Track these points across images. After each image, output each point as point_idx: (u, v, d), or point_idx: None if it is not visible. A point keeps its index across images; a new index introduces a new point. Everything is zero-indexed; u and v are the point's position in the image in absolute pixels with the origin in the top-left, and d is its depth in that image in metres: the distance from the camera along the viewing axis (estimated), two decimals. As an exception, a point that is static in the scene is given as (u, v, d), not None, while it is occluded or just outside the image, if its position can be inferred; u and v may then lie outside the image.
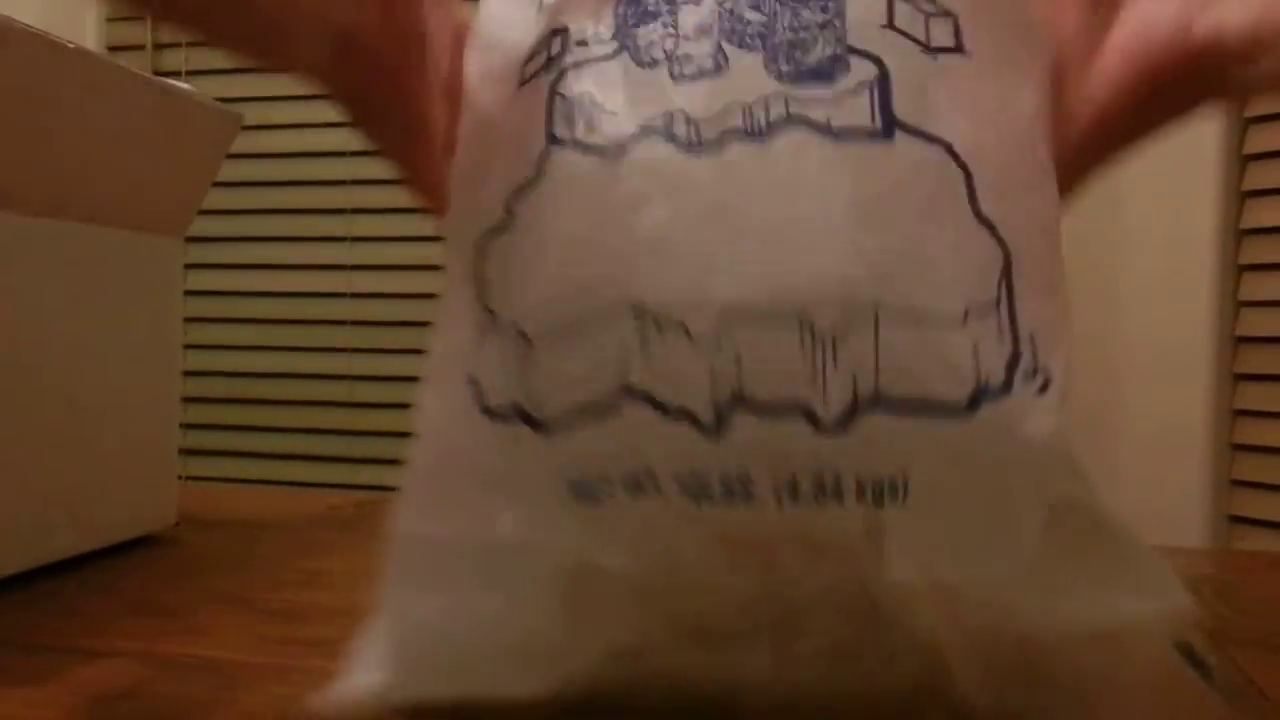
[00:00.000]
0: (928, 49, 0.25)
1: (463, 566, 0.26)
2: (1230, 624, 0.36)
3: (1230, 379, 1.04)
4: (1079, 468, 0.24)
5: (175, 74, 1.41)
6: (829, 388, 0.23)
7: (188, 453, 1.43)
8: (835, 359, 0.23)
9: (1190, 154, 1.03)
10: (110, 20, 1.47)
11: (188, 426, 1.42)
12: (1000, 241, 0.24)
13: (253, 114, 1.41)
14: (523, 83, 0.27)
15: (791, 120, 0.24)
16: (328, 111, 1.48)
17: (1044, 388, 0.23)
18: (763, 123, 0.24)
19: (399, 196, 1.49)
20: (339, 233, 1.40)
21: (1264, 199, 1.02)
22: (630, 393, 0.24)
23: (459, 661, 0.26)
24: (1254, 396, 1.02)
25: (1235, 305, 1.04)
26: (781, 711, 0.26)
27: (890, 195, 0.24)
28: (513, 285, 0.26)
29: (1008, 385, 0.23)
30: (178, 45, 1.45)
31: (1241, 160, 1.03)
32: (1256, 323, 1.02)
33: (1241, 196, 1.04)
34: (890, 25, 0.25)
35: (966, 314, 0.23)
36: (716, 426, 0.23)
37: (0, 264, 0.38)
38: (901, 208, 0.24)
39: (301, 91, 1.49)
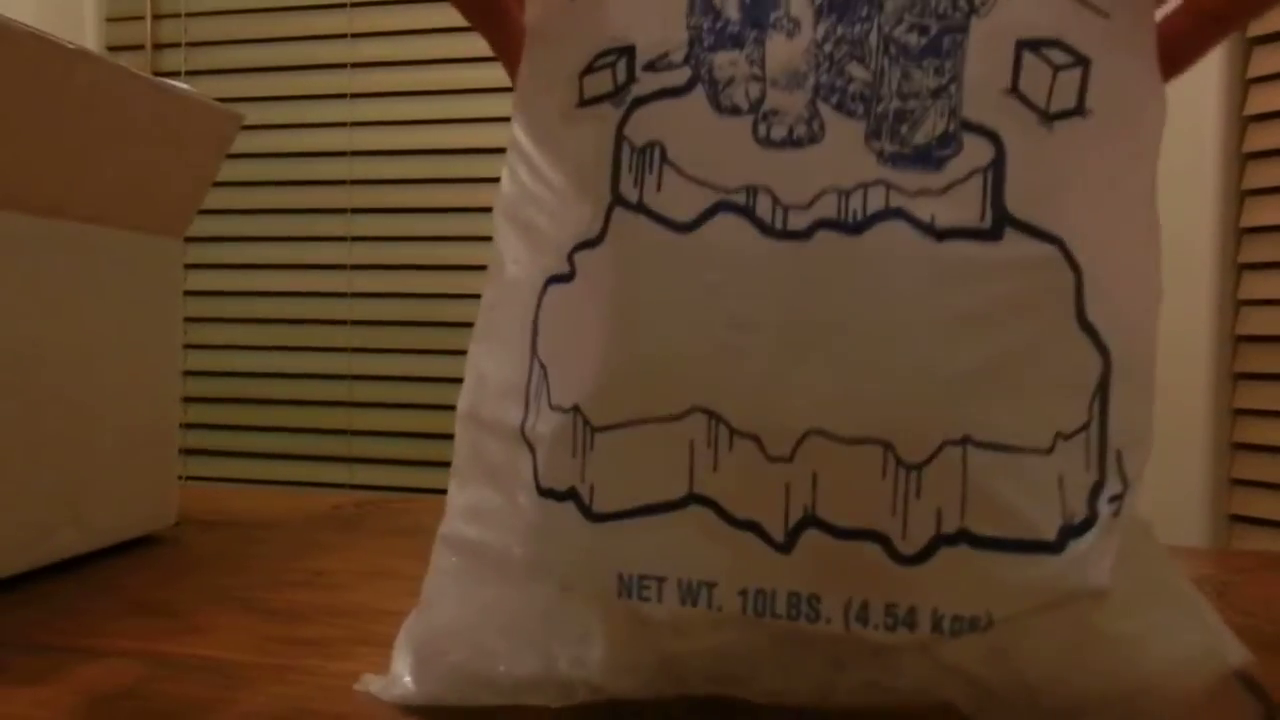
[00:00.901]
0: (1046, 117, 0.22)
1: (498, 604, 0.26)
2: (1230, 624, 0.36)
3: (1230, 378, 1.04)
4: (1153, 553, 0.23)
5: (175, 74, 1.41)
6: (910, 519, 0.22)
7: (188, 452, 1.43)
8: (919, 490, 0.22)
9: (1190, 152, 1.03)
10: (110, 20, 1.47)
11: (188, 426, 1.42)
12: (1101, 348, 0.22)
13: (253, 114, 1.42)
14: (583, 102, 0.25)
15: (891, 214, 0.22)
16: (328, 111, 1.48)
17: (1120, 505, 0.22)
18: (859, 214, 0.22)
19: (399, 196, 1.48)
20: (339, 233, 1.40)
21: (1264, 198, 1.02)
22: (696, 499, 0.23)
23: (489, 679, 0.25)
24: (1254, 395, 1.02)
25: (1235, 304, 1.04)
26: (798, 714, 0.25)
27: (991, 309, 0.22)
28: (572, 352, 0.24)
29: (1091, 519, 0.22)
30: (177, 45, 1.45)
31: (1241, 158, 1.03)
32: (1257, 321, 1.02)
33: (1241, 195, 1.04)
34: (1014, 89, 0.22)
35: (1055, 441, 0.22)
36: (786, 543, 0.22)
37: (0, 264, 0.38)
38: (1002, 324, 0.22)
39: (302, 91, 1.48)
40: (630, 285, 0.23)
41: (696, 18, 0.23)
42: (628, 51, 0.24)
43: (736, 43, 0.23)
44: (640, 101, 0.24)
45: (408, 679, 0.26)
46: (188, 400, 1.42)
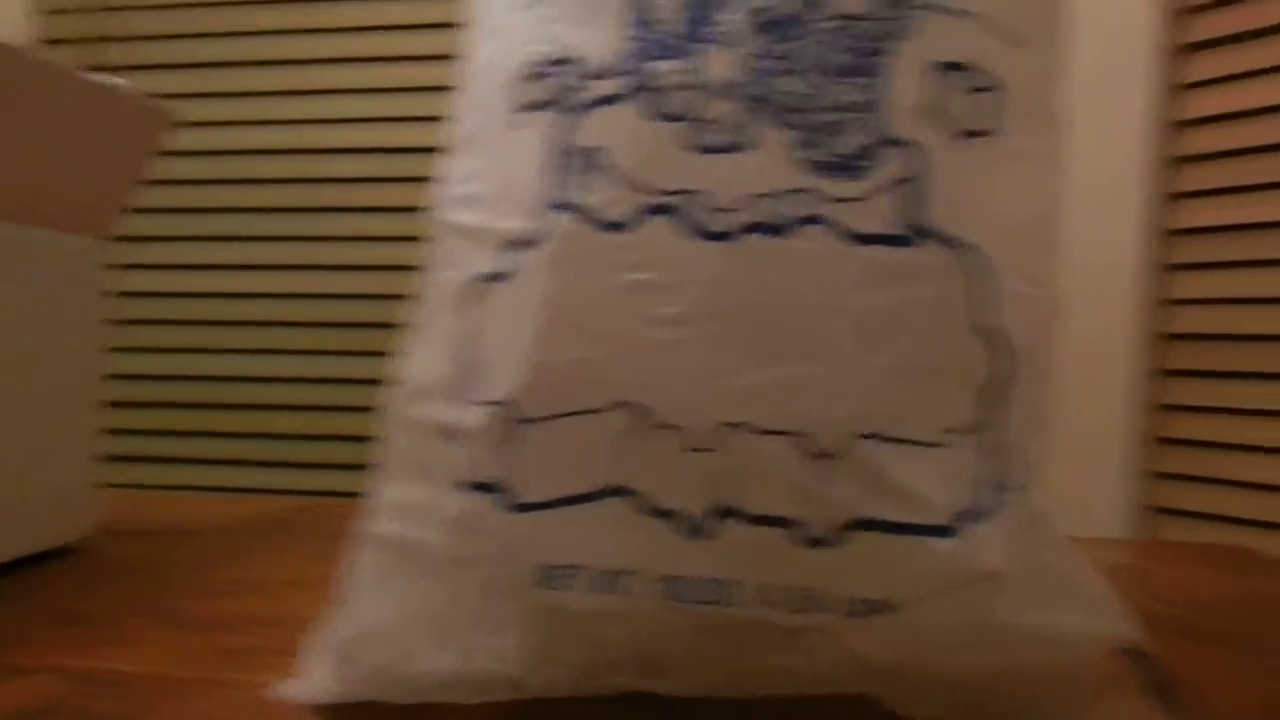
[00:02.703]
0: (962, 134, 0.24)
1: (420, 600, 0.26)
2: (1152, 613, 0.37)
3: (1158, 374, 1.07)
4: (1050, 538, 0.25)
5: (119, 69, 1.38)
6: (820, 507, 0.23)
7: (124, 459, 1.39)
8: (829, 479, 0.23)
9: (1122, 155, 1.06)
10: (50, 13, 1.42)
11: (123, 432, 1.38)
12: (1008, 348, 0.24)
13: (197, 111, 1.37)
14: (524, 107, 0.26)
15: (814, 220, 0.23)
16: (274, 108, 1.45)
17: (1016, 494, 0.24)
18: (784, 218, 0.23)
19: (332, 196, 1.43)
20: (281, 233, 1.38)
21: (1194, 200, 1.05)
22: (616, 490, 0.24)
23: (411, 678, 0.26)
24: (1180, 391, 1.05)
25: (1163, 303, 1.07)
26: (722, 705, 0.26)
27: (903, 309, 0.23)
28: (505, 349, 0.25)
29: (987, 507, 0.23)
30: (120, 39, 1.41)
31: (1172, 162, 1.06)
32: (1185, 320, 1.05)
33: (1170, 198, 1.07)
34: (932, 107, 0.24)
35: (951, 435, 0.23)
36: (703, 531, 0.24)
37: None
38: (915, 324, 0.23)
39: (246, 88, 1.44)
40: (563, 282, 0.24)
41: (639, 30, 0.25)
42: (571, 61, 0.25)
43: (676, 54, 0.24)
44: (581, 108, 0.25)
45: (327, 682, 0.26)
46: (123, 405, 1.39)
